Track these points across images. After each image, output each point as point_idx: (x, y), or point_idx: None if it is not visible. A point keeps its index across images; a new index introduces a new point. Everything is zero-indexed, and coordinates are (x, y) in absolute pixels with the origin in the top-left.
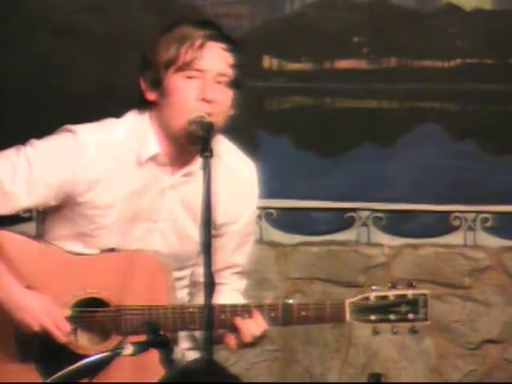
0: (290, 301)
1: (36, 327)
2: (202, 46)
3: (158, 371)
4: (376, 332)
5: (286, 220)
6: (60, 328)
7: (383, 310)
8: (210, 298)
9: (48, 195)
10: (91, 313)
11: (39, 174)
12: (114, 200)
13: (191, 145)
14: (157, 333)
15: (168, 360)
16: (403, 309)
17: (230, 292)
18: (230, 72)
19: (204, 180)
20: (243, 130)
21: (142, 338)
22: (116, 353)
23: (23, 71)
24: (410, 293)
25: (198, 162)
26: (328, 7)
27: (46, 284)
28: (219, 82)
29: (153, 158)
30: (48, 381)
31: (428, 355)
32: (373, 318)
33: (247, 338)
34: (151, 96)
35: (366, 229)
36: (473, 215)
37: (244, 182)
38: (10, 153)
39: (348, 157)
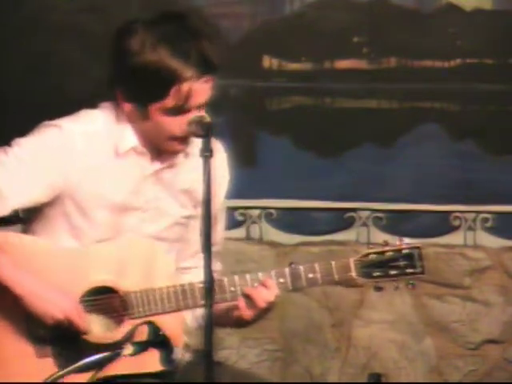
0: (294, 266)
1: (60, 315)
2: (189, 92)
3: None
4: (378, 288)
5: (286, 220)
6: (81, 316)
7: (384, 265)
8: (211, 300)
9: (41, 192)
10: (101, 300)
11: (31, 172)
12: (104, 191)
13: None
14: (157, 332)
15: (168, 360)
16: (401, 263)
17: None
18: (209, 95)
19: (204, 180)
20: (243, 130)
21: (142, 337)
22: (116, 353)
23: (23, 71)
24: (404, 247)
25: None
26: (328, 7)
27: (49, 278)
28: (199, 110)
29: (132, 149)
30: (48, 380)
31: (428, 355)
32: (376, 274)
33: (260, 303)
34: (127, 108)
35: (365, 229)
36: (473, 215)
37: (217, 162)
38: None
39: (348, 157)
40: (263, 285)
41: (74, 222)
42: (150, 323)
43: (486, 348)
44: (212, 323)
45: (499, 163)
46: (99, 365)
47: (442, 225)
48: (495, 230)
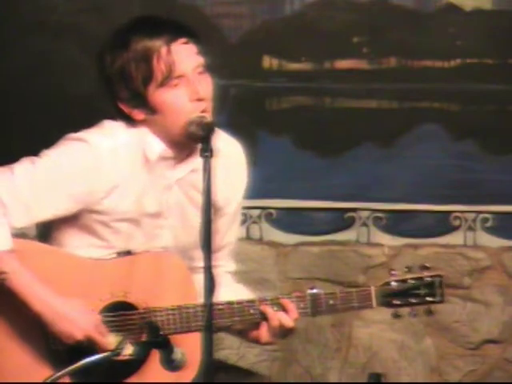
0: (315, 291)
1: (79, 336)
2: (169, 54)
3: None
4: (397, 315)
5: (286, 220)
6: (102, 334)
7: (404, 293)
8: (211, 298)
9: (66, 207)
10: (121, 316)
11: (58, 186)
12: (130, 204)
13: (192, 144)
14: (157, 333)
15: (168, 360)
16: (422, 291)
17: (227, 278)
18: (200, 60)
19: (204, 180)
20: (243, 130)
21: (142, 337)
22: (116, 353)
23: (23, 71)
24: (426, 275)
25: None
26: (328, 7)
27: (71, 291)
28: (199, 74)
29: (160, 155)
30: (48, 380)
31: (428, 355)
32: (396, 302)
33: (277, 328)
34: (140, 116)
35: (365, 229)
36: (473, 215)
37: (234, 164)
38: (26, 165)
39: (348, 157)
40: (283, 308)
41: (98, 233)
42: (149, 323)
43: (486, 348)
44: (212, 323)
45: (499, 163)
46: (99, 365)
47: (442, 225)
48: (495, 230)
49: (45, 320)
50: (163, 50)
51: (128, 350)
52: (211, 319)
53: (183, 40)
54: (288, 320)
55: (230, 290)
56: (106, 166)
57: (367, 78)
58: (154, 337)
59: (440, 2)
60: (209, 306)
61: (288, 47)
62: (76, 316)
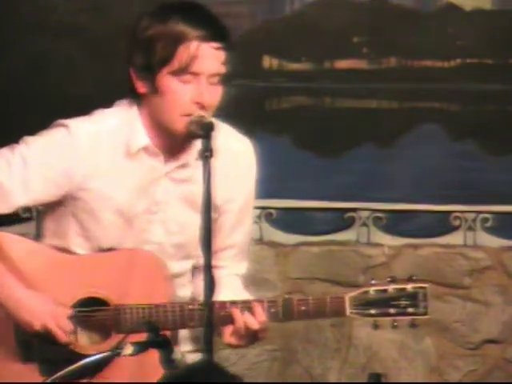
0: (288, 296)
1: (37, 326)
2: (197, 50)
3: (158, 371)
4: (376, 326)
5: (286, 220)
6: (61, 327)
7: (383, 303)
8: (210, 298)
9: (46, 192)
10: (91, 312)
11: (36, 170)
12: (112, 192)
13: (184, 140)
14: (157, 333)
15: (168, 360)
16: (403, 302)
17: (231, 280)
18: (222, 70)
19: (204, 180)
20: (243, 130)
21: (142, 337)
22: (116, 353)
23: (23, 71)
24: (409, 286)
25: (193, 151)
26: (328, 7)
27: (44, 284)
28: (213, 83)
29: (143, 149)
30: (48, 381)
31: (428, 355)
32: (372, 312)
33: (242, 330)
34: (142, 88)
35: (366, 229)
36: (473, 215)
37: (242, 162)
38: (5, 151)
39: (348, 157)
40: (251, 311)
41: (84, 223)
42: (149, 323)
43: (485, 348)
44: (212, 323)
45: (499, 163)
46: (99, 365)
47: (442, 225)
48: (495, 230)
49: (6, 308)
50: (194, 43)
51: (128, 350)
52: (211, 318)
53: (217, 45)
54: (253, 322)
55: (227, 293)
56: (83, 149)
57: (367, 78)
58: (154, 337)
59: (440, 1)
60: (208, 307)
61: (288, 47)
62: (36, 307)
